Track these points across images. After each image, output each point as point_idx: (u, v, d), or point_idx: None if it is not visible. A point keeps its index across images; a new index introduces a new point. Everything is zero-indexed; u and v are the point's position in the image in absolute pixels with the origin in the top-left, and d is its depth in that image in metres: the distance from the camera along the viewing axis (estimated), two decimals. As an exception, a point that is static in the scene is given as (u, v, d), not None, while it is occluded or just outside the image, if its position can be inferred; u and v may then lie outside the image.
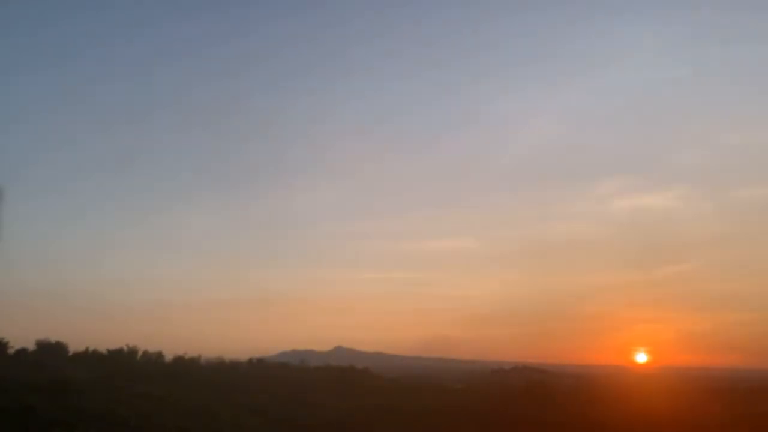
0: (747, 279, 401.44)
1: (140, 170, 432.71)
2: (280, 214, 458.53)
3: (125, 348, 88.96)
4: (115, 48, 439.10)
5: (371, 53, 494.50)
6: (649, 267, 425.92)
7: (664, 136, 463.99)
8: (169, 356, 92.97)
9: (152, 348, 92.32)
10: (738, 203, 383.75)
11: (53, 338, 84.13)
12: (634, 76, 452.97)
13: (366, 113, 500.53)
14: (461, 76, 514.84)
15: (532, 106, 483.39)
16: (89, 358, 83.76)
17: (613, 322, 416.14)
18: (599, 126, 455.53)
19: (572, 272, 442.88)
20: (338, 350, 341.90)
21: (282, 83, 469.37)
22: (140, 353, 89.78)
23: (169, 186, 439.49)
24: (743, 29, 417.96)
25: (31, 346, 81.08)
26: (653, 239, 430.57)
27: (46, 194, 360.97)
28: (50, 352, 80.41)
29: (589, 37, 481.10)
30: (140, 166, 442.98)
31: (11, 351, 76.77)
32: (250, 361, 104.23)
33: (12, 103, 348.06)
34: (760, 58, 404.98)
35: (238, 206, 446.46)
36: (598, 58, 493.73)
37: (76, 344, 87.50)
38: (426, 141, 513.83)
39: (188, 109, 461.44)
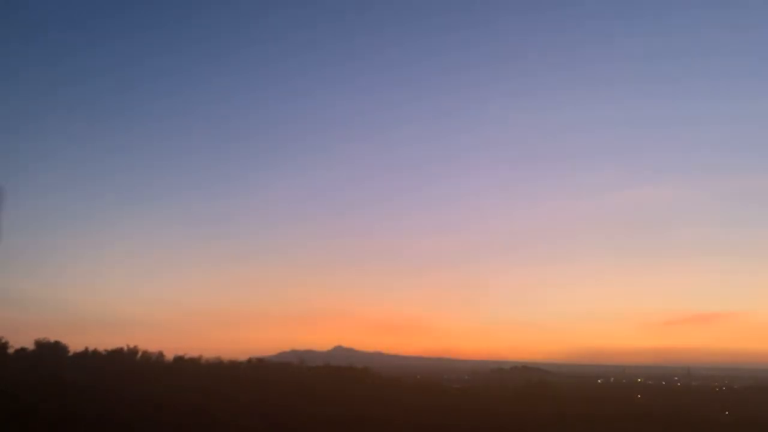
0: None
1: (141, 172, 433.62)
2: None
3: (125, 348, 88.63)
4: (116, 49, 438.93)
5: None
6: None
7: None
8: (169, 356, 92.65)
9: (152, 348, 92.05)
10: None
11: (53, 338, 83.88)
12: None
13: (362, 111, 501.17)
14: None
15: (527, 100, 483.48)
16: (89, 358, 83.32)
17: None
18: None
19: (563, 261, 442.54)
20: (338, 350, 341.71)
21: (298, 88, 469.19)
22: (140, 353, 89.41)
23: (169, 188, 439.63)
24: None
25: (31, 346, 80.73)
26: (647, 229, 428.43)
27: (46, 195, 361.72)
28: (50, 352, 79.93)
29: (586, 35, 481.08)
30: (141, 167, 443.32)
31: (11, 351, 76.34)
32: (250, 360, 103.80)
33: (12, 103, 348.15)
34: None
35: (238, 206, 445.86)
36: (594, 54, 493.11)
37: (75, 344, 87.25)
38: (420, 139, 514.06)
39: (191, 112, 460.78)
